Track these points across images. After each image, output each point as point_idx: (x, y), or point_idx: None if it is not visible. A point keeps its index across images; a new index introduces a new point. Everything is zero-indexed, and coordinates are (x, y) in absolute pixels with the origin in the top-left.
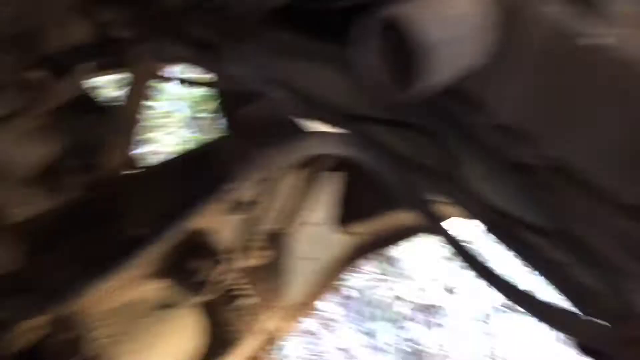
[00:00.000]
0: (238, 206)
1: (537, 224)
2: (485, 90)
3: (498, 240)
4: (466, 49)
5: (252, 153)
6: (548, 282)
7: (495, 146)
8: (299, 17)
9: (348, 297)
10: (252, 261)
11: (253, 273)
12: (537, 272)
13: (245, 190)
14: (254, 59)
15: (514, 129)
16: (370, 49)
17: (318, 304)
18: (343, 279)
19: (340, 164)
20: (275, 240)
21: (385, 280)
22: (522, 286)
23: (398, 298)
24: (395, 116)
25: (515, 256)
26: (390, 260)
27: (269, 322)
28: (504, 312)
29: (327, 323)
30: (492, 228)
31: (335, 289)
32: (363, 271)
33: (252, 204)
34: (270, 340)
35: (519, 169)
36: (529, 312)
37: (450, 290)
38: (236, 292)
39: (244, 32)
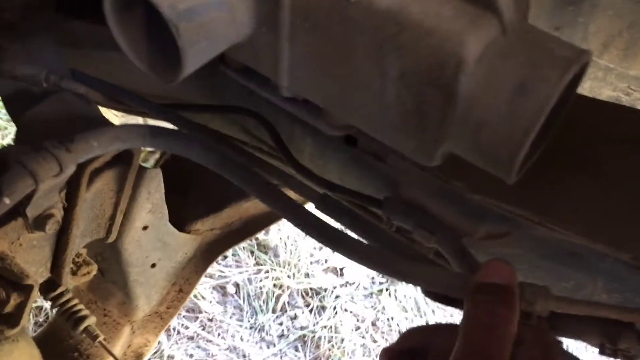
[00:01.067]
0: (37, 222)
1: (372, 195)
2: (261, 63)
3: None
4: (223, 15)
5: (33, 159)
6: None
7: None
8: (85, 3)
9: (227, 294)
10: (79, 279)
11: (91, 291)
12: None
13: (39, 203)
14: (41, 54)
15: (303, 101)
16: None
17: (193, 306)
18: (204, 278)
19: (161, 160)
20: (104, 252)
21: (266, 271)
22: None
23: (281, 287)
24: (218, 101)
25: (353, 232)
26: (268, 250)
27: (131, 337)
28: (389, 285)
29: (209, 325)
30: (325, 205)
31: (191, 291)
32: (240, 265)
33: (49, 217)
34: (139, 356)
35: (347, 142)
36: (385, 271)
37: (337, 271)
38: (76, 315)
39: (26, 27)
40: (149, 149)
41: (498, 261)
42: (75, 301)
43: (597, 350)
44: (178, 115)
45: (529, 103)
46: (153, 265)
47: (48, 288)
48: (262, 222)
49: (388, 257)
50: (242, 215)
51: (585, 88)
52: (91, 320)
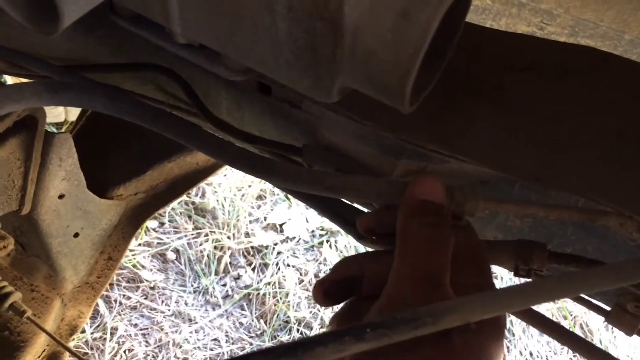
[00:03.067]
0: None
1: (292, 144)
2: (151, 9)
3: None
4: None
5: None
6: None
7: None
8: None
9: (167, 261)
10: None
11: (15, 268)
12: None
13: None
14: None
15: (199, 47)
16: None
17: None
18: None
19: (76, 127)
20: (22, 225)
21: (205, 235)
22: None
23: (222, 249)
24: (127, 59)
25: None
26: (206, 213)
27: (63, 310)
28: (330, 237)
29: (152, 293)
30: (245, 164)
31: (121, 258)
32: (178, 231)
33: None
34: (73, 328)
35: (261, 91)
36: (319, 189)
37: (276, 228)
38: (0, 292)
39: None
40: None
41: (427, 177)
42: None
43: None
44: (84, 77)
45: (412, 29)
46: (76, 235)
47: None
48: (188, 181)
49: (319, 174)
50: (167, 176)
51: (502, 25)
52: (17, 297)
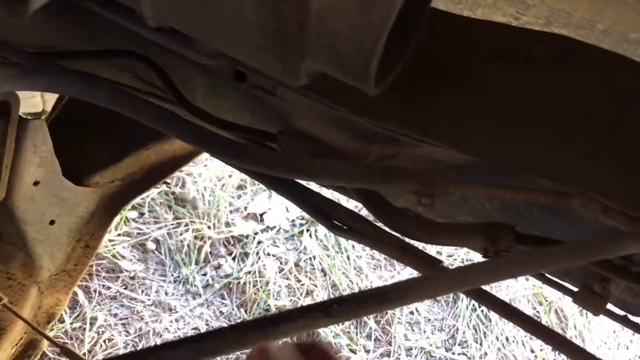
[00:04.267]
0: None
1: (267, 130)
2: None
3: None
4: None
5: None
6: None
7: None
8: None
9: (147, 251)
10: None
11: None
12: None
13: None
14: None
15: (171, 30)
16: None
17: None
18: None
19: (52, 115)
20: None
21: (185, 225)
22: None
23: (202, 238)
24: (102, 46)
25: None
26: (186, 203)
27: (40, 298)
28: (310, 226)
29: (132, 283)
30: (219, 149)
31: (98, 246)
32: (158, 221)
33: None
34: (51, 316)
35: (236, 78)
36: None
37: (257, 218)
38: None
39: None
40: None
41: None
42: None
43: None
44: (57, 65)
45: (376, 10)
46: (52, 222)
47: None
48: (165, 169)
49: (292, 159)
50: (143, 164)
51: (478, 14)
52: None
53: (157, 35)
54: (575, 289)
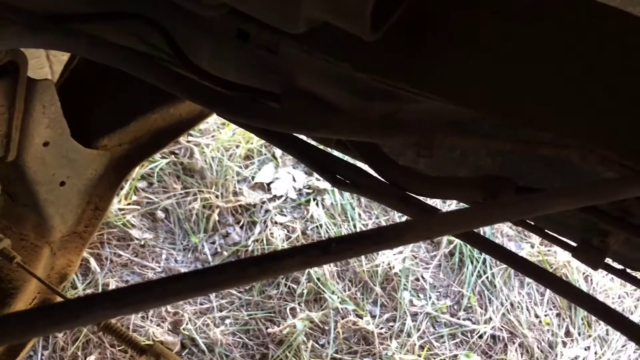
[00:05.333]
0: None
1: (270, 90)
2: None
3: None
4: None
5: None
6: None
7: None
8: None
9: (157, 220)
10: None
11: (4, 218)
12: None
13: None
14: None
15: None
16: None
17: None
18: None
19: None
20: (9, 175)
21: (194, 194)
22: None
23: (210, 207)
24: (107, 9)
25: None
26: (195, 173)
27: (52, 259)
28: (316, 195)
29: (142, 251)
30: (224, 107)
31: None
32: (167, 190)
33: None
34: (63, 277)
35: (239, 37)
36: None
37: (264, 187)
38: None
39: None
40: None
41: None
42: None
43: None
44: (67, 28)
45: None
46: (62, 184)
47: None
48: (171, 133)
49: (293, 113)
50: (150, 128)
51: None
52: (6, 243)
53: None
54: (574, 244)
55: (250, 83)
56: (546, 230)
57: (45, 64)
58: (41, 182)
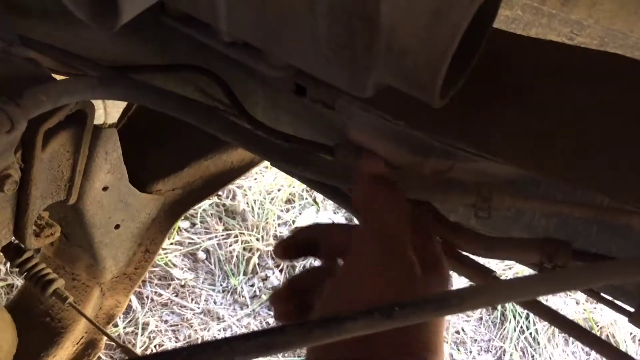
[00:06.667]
0: None
1: (325, 143)
2: (200, 9)
3: (288, 169)
4: None
5: None
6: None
7: (246, 66)
8: None
9: (198, 261)
10: (43, 241)
11: (58, 257)
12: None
13: None
14: None
15: (243, 45)
16: None
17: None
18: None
19: (119, 124)
20: (67, 216)
21: (235, 236)
22: None
23: (251, 250)
24: (169, 61)
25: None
26: (236, 215)
27: (101, 300)
28: None
29: (182, 291)
30: (279, 157)
31: (155, 253)
32: (209, 231)
33: (6, 177)
34: (110, 317)
35: (297, 93)
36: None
37: None
38: (44, 279)
39: None
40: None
41: (371, 158)
42: (43, 265)
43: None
44: (129, 77)
45: (444, 28)
46: (117, 227)
47: (14, 254)
48: (222, 179)
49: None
50: (203, 173)
51: (531, 35)
52: (60, 283)
53: (229, 49)
54: (632, 309)
55: (303, 134)
56: (601, 294)
57: (101, 106)
58: (97, 225)
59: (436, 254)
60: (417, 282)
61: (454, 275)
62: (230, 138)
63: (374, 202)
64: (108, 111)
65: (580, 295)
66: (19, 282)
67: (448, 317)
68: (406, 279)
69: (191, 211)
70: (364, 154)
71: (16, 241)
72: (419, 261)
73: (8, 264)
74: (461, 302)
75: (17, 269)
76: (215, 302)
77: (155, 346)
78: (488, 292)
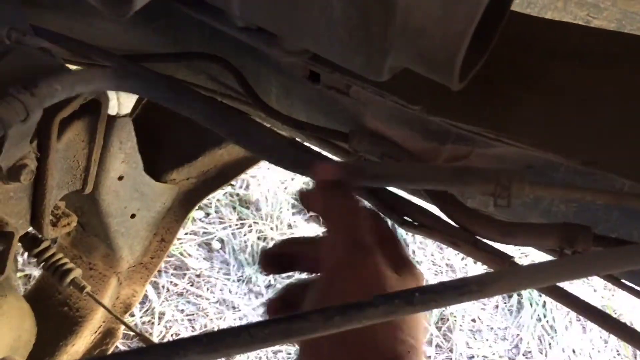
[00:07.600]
0: (11, 173)
1: (339, 130)
2: None
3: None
4: None
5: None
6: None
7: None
8: None
9: (213, 250)
10: (59, 230)
11: (74, 247)
12: None
13: (11, 153)
14: (1, 12)
15: (257, 29)
16: None
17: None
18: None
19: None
20: (83, 206)
21: (249, 225)
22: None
23: (265, 239)
24: (181, 50)
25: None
26: (250, 204)
27: (118, 289)
28: None
29: (198, 280)
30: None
31: (171, 241)
32: (223, 221)
33: (23, 167)
34: (128, 306)
35: (310, 79)
36: None
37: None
38: (62, 269)
39: None
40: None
41: (324, 164)
42: (60, 255)
43: None
44: (142, 66)
45: (461, 7)
46: (133, 216)
47: (32, 245)
48: (237, 168)
49: (361, 165)
50: (217, 162)
51: (547, 17)
52: (77, 273)
53: (243, 34)
54: None
55: (317, 122)
56: (622, 280)
57: (114, 96)
58: (113, 215)
59: (403, 252)
60: (389, 279)
61: (469, 261)
62: (241, 144)
63: (331, 211)
64: (121, 101)
65: (597, 283)
66: (36, 272)
67: (463, 305)
68: (377, 278)
69: (205, 201)
70: (315, 162)
71: (33, 231)
72: (389, 261)
73: (25, 255)
74: (482, 288)
75: (35, 259)
76: (230, 292)
77: (172, 335)
78: (509, 277)
